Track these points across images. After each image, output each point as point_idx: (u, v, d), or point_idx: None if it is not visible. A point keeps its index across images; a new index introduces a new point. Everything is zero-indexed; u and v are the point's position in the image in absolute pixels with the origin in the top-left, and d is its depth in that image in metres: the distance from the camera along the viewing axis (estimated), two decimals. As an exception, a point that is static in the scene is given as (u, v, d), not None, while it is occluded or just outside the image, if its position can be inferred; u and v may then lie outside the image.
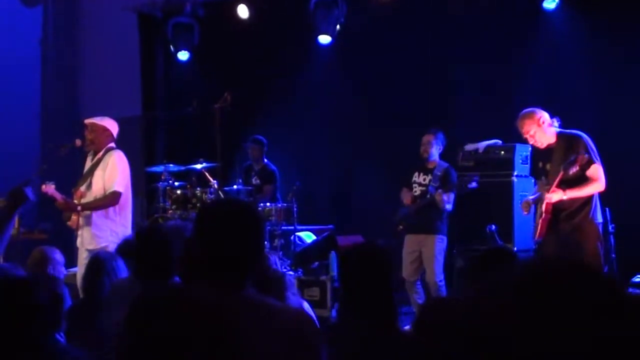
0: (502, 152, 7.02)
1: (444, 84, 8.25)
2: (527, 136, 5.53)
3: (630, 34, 6.96)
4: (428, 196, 6.60)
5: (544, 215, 5.40)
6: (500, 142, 7.19)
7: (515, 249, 6.52)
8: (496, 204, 6.86)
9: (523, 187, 6.94)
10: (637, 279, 5.82)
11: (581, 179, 5.30)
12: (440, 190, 6.51)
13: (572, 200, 5.34)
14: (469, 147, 7.20)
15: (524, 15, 7.67)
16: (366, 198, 8.49)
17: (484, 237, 6.62)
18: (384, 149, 8.41)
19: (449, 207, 6.56)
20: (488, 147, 7.14)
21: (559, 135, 5.48)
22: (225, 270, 2.05)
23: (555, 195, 5.31)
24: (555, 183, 5.33)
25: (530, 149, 7.07)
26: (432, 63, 8.27)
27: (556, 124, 5.53)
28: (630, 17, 6.96)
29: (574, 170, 5.27)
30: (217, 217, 2.13)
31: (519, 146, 6.98)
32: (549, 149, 5.53)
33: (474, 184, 6.46)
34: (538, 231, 5.45)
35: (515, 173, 6.90)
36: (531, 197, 5.70)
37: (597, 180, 5.30)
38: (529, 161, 7.05)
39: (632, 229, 6.33)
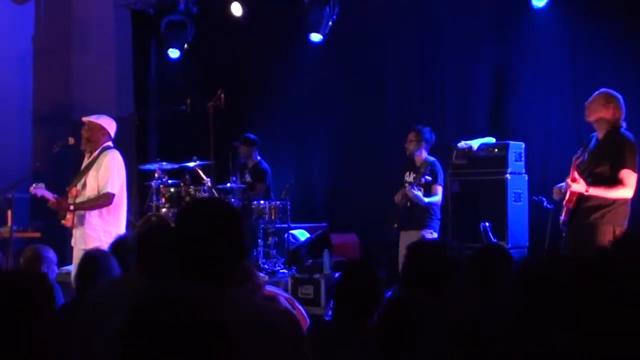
0: (496, 150, 7.03)
1: (436, 82, 8.25)
2: (594, 109, 5.25)
3: (621, 32, 6.95)
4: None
5: (566, 202, 5.23)
6: (493, 139, 7.20)
7: (508, 246, 6.53)
8: (490, 201, 6.88)
9: (517, 184, 6.95)
10: None
11: (610, 180, 5.11)
12: (410, 187, 6.45)
13: (591, 196, 5.15)
14: (462, 145, 7.21)
15: (514, 13, 7.67)
16: (360, 196, 8.49)
17: (478, 235, 6.63)
18: (377, 146, 8.42)
19: (428, 200, 6.46)
20: (482, 145, 7.14)
21: (612, 131, 5.21)
22: (207, 270, 2.05)
23: (577, 186, 5.14)
24: (575, 172, 5.17)
25: (523, 146, 7.10)
26: (423, 61, 8.27)
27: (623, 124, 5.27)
28: (620, 15, 6.96)
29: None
30: (194, 217, 2.14)
31: (512, 144, 6.99)
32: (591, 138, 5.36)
33: (455, 187, 6.46)
34: (563, 216, 5.32)
35: (509, 170, 6.91)
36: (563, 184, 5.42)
37: (626, 186, 5.08)
38: (522, 158, 7.06)
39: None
